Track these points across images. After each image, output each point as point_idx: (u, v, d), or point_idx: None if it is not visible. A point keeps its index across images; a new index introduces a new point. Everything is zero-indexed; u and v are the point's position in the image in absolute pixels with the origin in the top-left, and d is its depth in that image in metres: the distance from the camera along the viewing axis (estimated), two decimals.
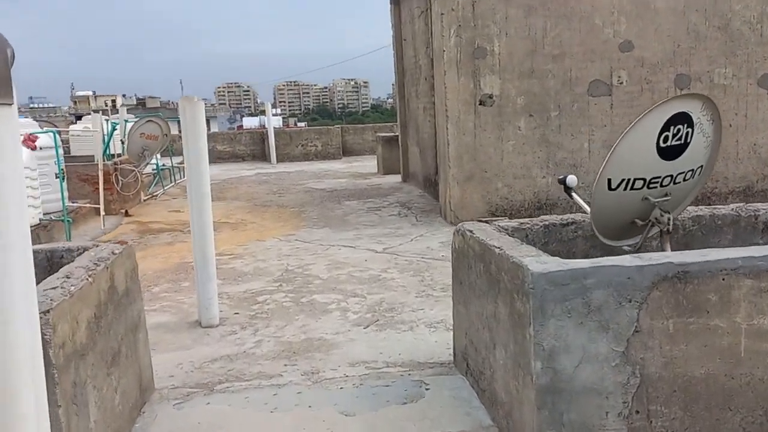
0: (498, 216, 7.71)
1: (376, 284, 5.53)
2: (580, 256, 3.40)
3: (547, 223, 3.63)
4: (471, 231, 3.33)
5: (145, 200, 11.20)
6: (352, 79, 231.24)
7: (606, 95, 7.79)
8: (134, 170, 10.06)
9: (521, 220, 3.77)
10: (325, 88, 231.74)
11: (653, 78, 7.78)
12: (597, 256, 2.85)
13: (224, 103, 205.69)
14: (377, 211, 9.26)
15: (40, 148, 7.73)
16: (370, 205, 9.90)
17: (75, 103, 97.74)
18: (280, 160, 17.75)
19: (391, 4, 11.79)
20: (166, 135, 11.17)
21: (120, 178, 9.96)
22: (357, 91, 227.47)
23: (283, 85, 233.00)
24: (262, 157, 18.36)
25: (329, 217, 8.95)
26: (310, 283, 5.65)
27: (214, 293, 4.75)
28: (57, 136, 8.23)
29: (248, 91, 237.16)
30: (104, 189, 9.69)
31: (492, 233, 3.22)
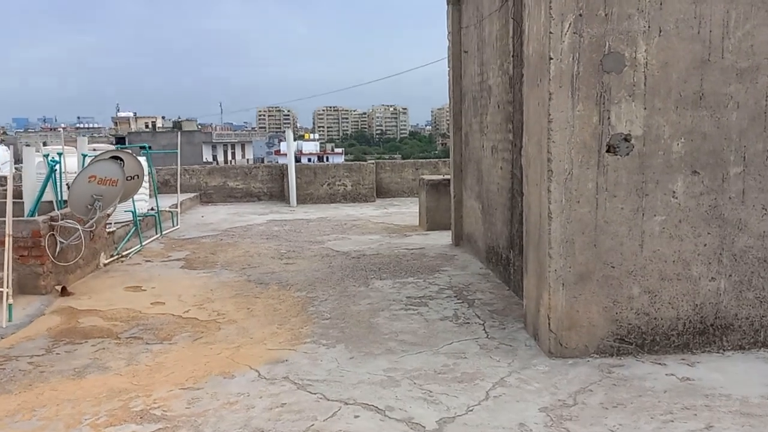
0: (631, 343, 4.44)
1: None
2: None
3: None
4: None
5: (106, 264, 8.23)
6: (391, 105, 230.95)
7: None
8: (78, 229, 7.08)
9: None
10: (364, 113, 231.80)
11: None
12: None
13: (264, 127, 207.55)
14: (422, 307, 6.05)
15: None
16: (410, 290, 6.69)
17: (116, 124, 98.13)
18: (301, 201, 14.73)
19: (448, 4, 8.69)
20: (135, 177, 8.20)
21: (58, 240, 7.00)
22: (396, 118, 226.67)
23: (323, 110, 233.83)
24: (281, 196, 15.37)
25: (348, 317, 5.77)
26: None
27: None
28: None
29: (288, 115, 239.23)
30: (28, 257, 6.73)
31: None
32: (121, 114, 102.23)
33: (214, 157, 63.11)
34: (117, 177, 7.40)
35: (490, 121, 7.23)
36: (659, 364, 4.48)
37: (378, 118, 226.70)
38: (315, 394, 4.11)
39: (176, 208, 11.52)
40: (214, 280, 7.41)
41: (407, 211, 13.24)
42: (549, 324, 4.62)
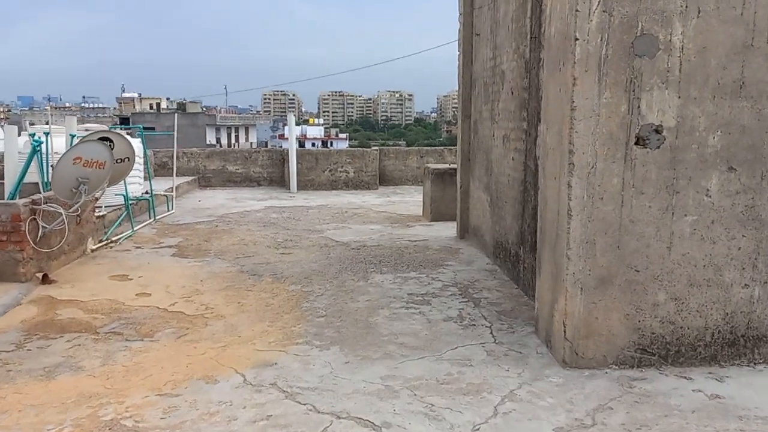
0: (654, 354, 4.03)
1: None
2: None
3: None
4: None
5: (94, 250, 7.83)
6: (396, 92, 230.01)
7: None
8: (61, 214, 6.67)
9: None
10: (370, 99, 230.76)
11: None
12: None
13: (268, 111, 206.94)
14: (424, 306, 5.63)
15: None
16: (412, 287, 6.28)
17: (121, 104, 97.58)
18: (302, 187, 14.30)
19: None
20: (125, 160, 7.78)
21: (41, 224, 6.60)
22: (401, 104, 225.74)
23: (328, 95, 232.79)
24: (281, 182, 14.93)
25: (345, 315, 5.36)
26: None
27: None
28: None
29: (293, 99, 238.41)
30: (6, 242, 6.33)
31: None
32: (126, 94, 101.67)
33: (218, 140, 62.56)
34: (104, 159, 6.98)
35: (503, 108, 6.78)
36: (684, 377, 4.07)
37: (383, 104, 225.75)
38: (305, 405, 3.71)
39: (171, 192, 11.11)
40: (206, 270, 7.01)
41: (411, 200, 12.81)
42: (564, 331, 4.20)
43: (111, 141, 7.66)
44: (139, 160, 9.95)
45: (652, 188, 4.08)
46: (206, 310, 5.56)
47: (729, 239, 4.15)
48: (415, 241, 8.63)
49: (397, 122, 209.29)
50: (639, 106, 4.00)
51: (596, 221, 4.09)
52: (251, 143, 66.11)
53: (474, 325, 5.13)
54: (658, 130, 4.03)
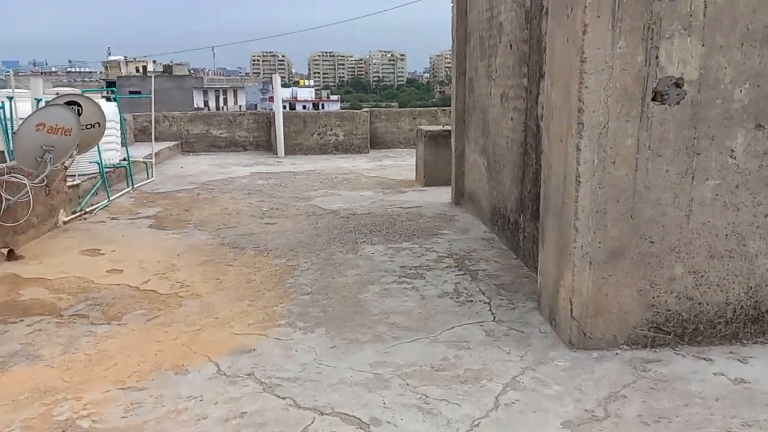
0: (669, 333, 3.67)
1: None
2: None
3: None
4: None
5: (66, 222, 7.36)
6: (388, 51, 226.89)
7: None
8: (26, 185, 6.18)
9: None
10: (361, 59, 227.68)
11: None
12: None
13: (258, 72, 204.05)
14: (417, 280, 5.23)
15: None
16: (405, 258, 5.87)
17: (106, 68, 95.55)
18: (290, 151, 13.77)
19: None
20: (95, 126, 7.25)
21: (4, 196, 6.12)
22: (393, 64, 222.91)
23: (318, 56, 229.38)
24: (268, 146, 14.38)
25: (332, 292, 4.96)
26: None
27: None
28: None
29: (283, 60, 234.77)
30: None
31: None
32: (112, 58, 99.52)
33: (206, 103, 61.43)
34: (70, 125, 6.47)
35: (500, 64, 6.27)
36: (704, 359, 3.70)
37: (375, 64, 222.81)
38: (284, 398, 3.32)
39: (151, 158, 10.59)
40: (184, 243, 6.58)
41: (403, 163, 12.33)
42: (571, 309, 3.81)
43: (79, 105, 7.13)
44: (115, 125, 9.42)
45: (671, 150, 3.64)
46: (181, 288, 5.14)
47: (755, 205, 3.73)
48: (408, 208, 8.20)
49: (389, 83, 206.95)
50: (657, 57, 3.53)
51: (608, 188, 3.65)
52: (240, 106, 64.98)
53: (471, 301, 4.74)
54: (678, 84, 3.57)
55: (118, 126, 9.57)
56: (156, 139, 14.27)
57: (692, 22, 3.49)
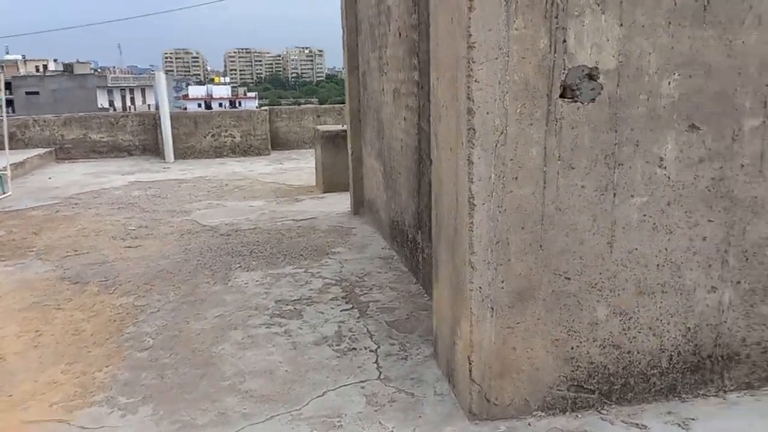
0: (593, 391, 2.85)
1: None
2: None
3: None
4: None
5: None
6: (306, 48, 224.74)
7: None
8: None
9: None
10: (279, 56, 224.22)
11: None
12: None
13: (171, 71, 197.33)
14: (293, 320, 4.24)
15: None
16: (284, 288, 4.87)
17: (2, 68, 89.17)
18: (181, 155, 12.45)
19: None
20: None
21: None
22: (311, 60, 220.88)
23: (234, 53, 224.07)
24: (156, 150, 12.97)
25: (180, 346, 3.89)
26: None
27: None
28: None
29: (197, 57, 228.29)
30: None
31: None
32: (8, 56, 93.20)
33: (111, 103, 58.01)
34: None
35: (391, 55, 5.37)
36: (637, 425, 2.91)
37: (293, 60, 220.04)
38: None
39: (5, 170, 9.08)
40: (14, 279, 5.32)
41: (306, 166, 11.30)
42: (470, 370, 2.93)
43: None
44: None
45: (586, 160, 2.82)
46: None
47: (691, 226, 2.97)
48: (301, 220, 7.19)
49: (308, 79, 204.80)
50: (565, 41, 2.69)
51: (509, 211, 2.79)
52: (149, 105, 61.76)
53: (354, 349, 3.80)
54: (592, 76, 2.75)
55: None
56: (26, 146, 12.64)
57: None
